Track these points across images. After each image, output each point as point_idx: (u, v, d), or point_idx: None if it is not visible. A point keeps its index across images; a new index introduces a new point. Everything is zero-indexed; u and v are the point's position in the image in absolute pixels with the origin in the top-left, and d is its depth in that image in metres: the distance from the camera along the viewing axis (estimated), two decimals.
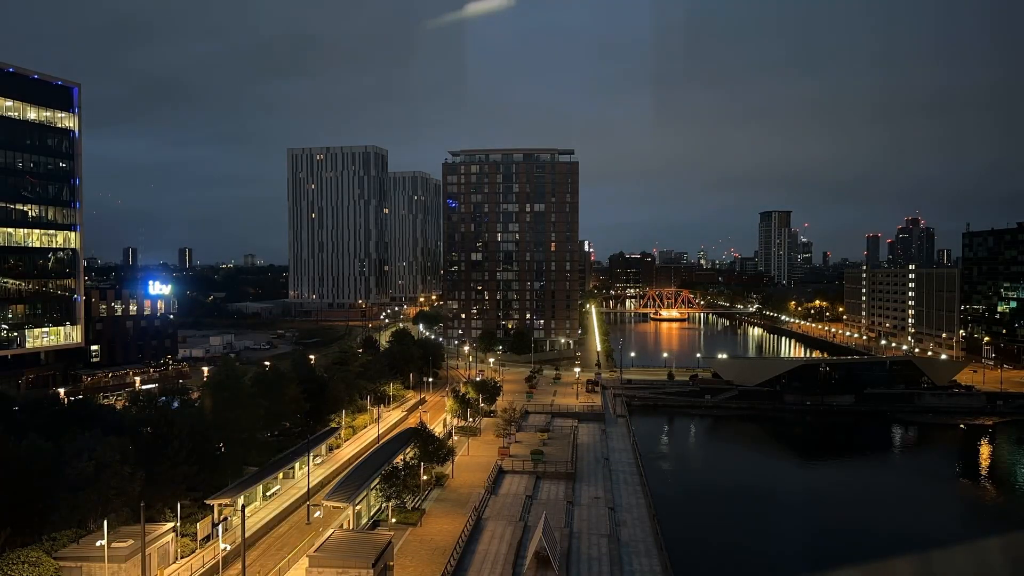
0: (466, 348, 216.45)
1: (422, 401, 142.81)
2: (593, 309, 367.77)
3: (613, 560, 64.65)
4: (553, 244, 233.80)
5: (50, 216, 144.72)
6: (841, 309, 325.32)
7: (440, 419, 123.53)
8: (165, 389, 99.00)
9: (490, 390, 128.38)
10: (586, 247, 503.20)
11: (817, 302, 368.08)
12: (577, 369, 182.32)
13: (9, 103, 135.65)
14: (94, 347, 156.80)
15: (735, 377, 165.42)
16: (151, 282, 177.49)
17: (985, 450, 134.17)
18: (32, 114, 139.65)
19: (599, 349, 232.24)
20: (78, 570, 53.14)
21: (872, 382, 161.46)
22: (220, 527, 66.09)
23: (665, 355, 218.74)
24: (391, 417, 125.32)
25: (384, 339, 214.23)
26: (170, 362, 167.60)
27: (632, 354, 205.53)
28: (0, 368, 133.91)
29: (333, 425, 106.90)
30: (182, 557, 61.21)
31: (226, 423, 78.77)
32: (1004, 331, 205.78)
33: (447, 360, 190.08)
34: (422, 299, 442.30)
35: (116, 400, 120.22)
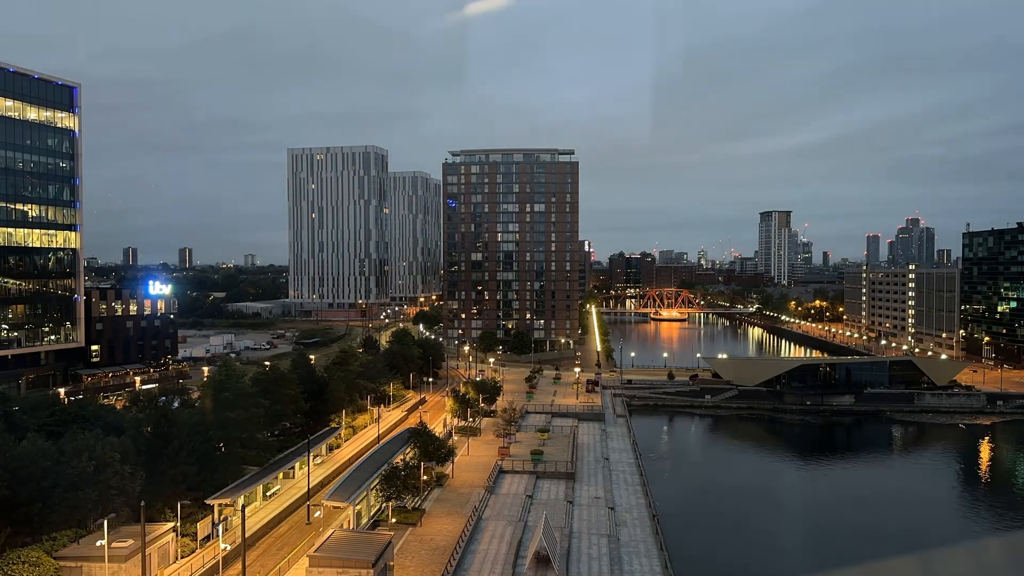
0: (466, 348, 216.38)
1: (422, 401, 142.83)
2: (593, 309, 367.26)
3: (613, 560, 64.65)
4: (553, 244, 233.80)
5: (50, 216, 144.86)
6: (841, 309, 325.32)
7: (440, 419, 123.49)
8: (165, 389, 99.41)
9: (490, 390, 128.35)
10: (586, 247, 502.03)
11: (817, 302, 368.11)
12: (577, 369, 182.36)
13: (9, 103, 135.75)
14: (94, 347, 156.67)
15: (735, 377, 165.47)
16: (151, 282, 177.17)
17: (985, 450, 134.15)
18: (32, 114, 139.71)
19: (599, 349, 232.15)
20: (78, 570, 53.17)
21: (872, 382, 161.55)
22: (220, 527, 66.12)
23: (665, 355, 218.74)
24: (391, 417, 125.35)
25: (384, 339, 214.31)
26: (170, 362, 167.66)
27: (632, 354, 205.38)
28: (0, 368, 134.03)
29: (333, 425, 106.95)
30: (182, 557, 61.27)
31: (226, 423, 78.85)
32: (1004, 331, 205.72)
33: (447, 360, 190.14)
34: (422, 299, 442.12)
35: (116, 400, 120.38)
